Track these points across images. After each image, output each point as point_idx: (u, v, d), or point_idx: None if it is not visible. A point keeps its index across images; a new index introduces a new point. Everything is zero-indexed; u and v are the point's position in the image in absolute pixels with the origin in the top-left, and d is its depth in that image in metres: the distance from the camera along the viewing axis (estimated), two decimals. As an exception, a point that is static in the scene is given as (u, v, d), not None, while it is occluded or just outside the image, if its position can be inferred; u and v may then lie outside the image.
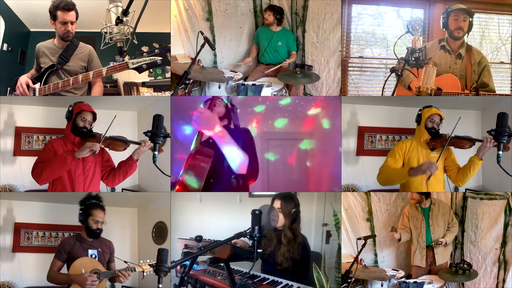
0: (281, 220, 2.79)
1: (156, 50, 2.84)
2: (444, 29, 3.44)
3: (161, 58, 2.82)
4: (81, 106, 2.89)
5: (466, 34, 3.40)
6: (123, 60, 2.89)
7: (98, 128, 2.92)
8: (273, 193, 3.09)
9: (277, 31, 3.94)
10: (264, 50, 3.95)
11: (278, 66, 3.88)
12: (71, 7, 3.15)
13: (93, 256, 2.96)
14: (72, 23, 3.19)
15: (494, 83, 3.46)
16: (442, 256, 3.37)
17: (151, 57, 2.83)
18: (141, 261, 2.89)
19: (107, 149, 2.93)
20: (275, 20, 3.91)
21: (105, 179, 2.96)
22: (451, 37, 3.41)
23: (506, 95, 3.41)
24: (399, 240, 3.37)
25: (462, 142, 2.89)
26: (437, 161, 2.84)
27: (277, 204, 2.83)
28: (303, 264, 2.74)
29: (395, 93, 3.27)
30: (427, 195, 3.37)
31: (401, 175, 2.96)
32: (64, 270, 2.95)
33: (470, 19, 3.34)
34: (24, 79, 3.16)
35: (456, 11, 3.35)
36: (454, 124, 2.84)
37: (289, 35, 3.99)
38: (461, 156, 3.01)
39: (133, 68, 2.86)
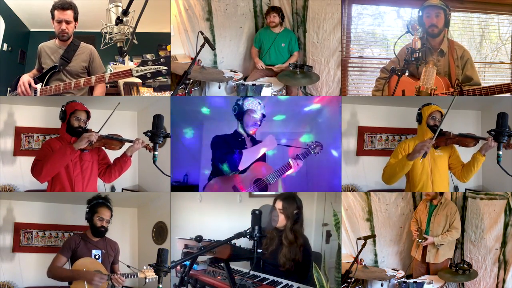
0: (282, 221, 2.78)
1: (162, 59, 2.80)
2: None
3: (166, 68, 2.79)
4: (74, 105, 2.85)
5: (446, 30, 3.31)
6: (123, 60, 2.88)
7: (96, 128, 2.89)
8: (273, 193, 3.09)
9: (280, 33, 3.93)
10: (266, 51, 3.94)
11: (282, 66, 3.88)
12: (67, 7, 3.15)
13: (97, 257, 2.95)
14: (68, 22, 3.17)
15: (478, 75, 3.41)
16: (434, 256, 3.35)
17: (156, 66, 2.80)
18: (145, 267, 2.88)
19: (103, 147, 2.94)
20: (280, 20, 3.90)
21: (101, 176, 2.99)
22: (428, 35, 3.31)
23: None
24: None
25: (467, 140, 2.91)
26: (434, 143, 2.86)
27: (279, 205, 2.81)
28: (304, 265, 2.74)
29: (395, 93, 3.27)
30: (441, 194, 3.40)
31: (401, 164, 2.95)
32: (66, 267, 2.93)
33: (446, 14, 3.23)
34: (26, 78, 3.16)
35: (426, 8, 3.25)
36: (453, 124, 2.84)
37: (292, 36, 3.98)
38: (465, 153, 3.03)
39: (137, 76, 2.84)
